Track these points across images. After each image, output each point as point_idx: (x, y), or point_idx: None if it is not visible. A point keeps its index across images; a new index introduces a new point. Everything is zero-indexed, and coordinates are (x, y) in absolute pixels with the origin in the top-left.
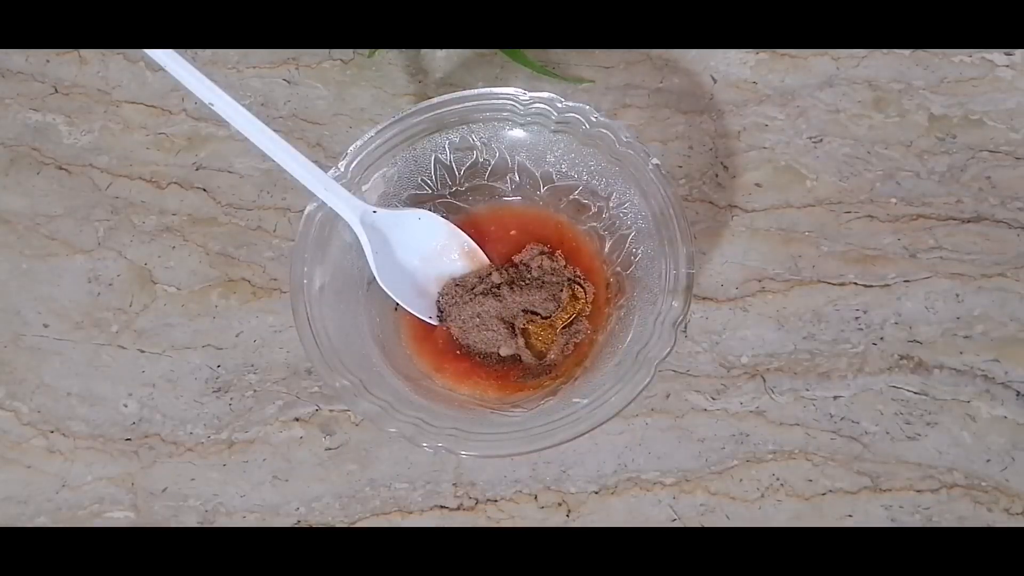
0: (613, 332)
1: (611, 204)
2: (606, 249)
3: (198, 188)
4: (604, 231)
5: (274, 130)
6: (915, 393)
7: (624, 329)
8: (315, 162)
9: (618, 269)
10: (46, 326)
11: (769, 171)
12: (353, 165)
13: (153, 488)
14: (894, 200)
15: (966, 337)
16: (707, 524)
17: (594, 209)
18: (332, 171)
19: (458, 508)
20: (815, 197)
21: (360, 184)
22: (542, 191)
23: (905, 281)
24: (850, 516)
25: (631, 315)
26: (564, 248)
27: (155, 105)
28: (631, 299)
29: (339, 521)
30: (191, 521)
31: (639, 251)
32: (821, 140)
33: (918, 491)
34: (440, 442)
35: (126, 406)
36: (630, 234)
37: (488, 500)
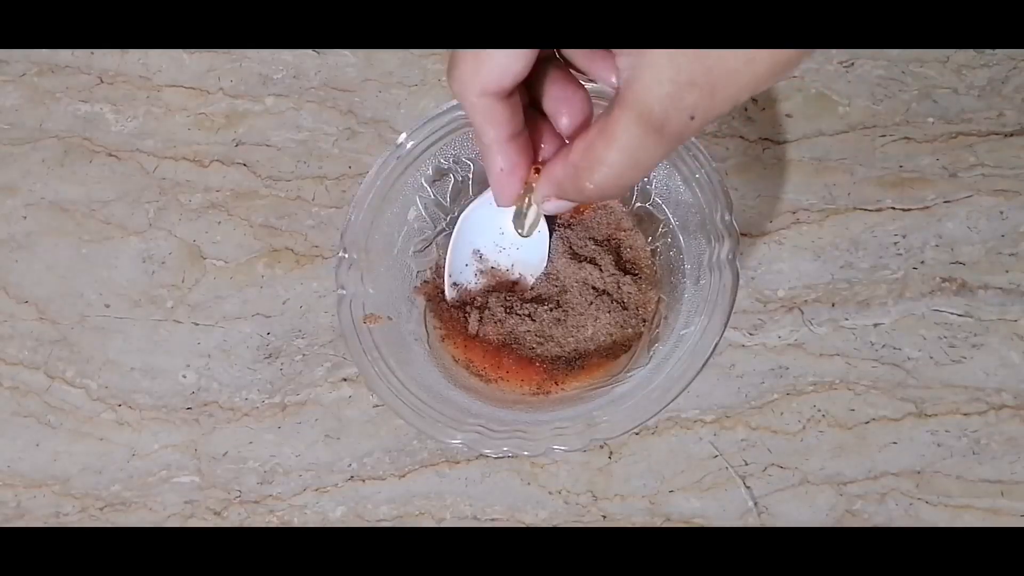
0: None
1: None
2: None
3: (239, 163)
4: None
5: (307, 101)
6: (959, 315)
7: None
8: (347, 129)
9: (656, 246)
10: (107, 306)
11: (799, 100)
12: (351, 242)
13: (215, 453)
14: (931, 119)
15: (1012, 255)
16: (748, 459)
17: None
18: (340, 254)
19: (501, 457)
20: (848, 123)
21: (371, 261)
22: None
23: (945, 202)
24: (895, 443)
25: (678, 292)
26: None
27: (194, 87)
28: (675, 276)
29: (389, 473)
30: (252, 482)
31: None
32: (852, 64)
33: (965, 414)
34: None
35: (185, 377)
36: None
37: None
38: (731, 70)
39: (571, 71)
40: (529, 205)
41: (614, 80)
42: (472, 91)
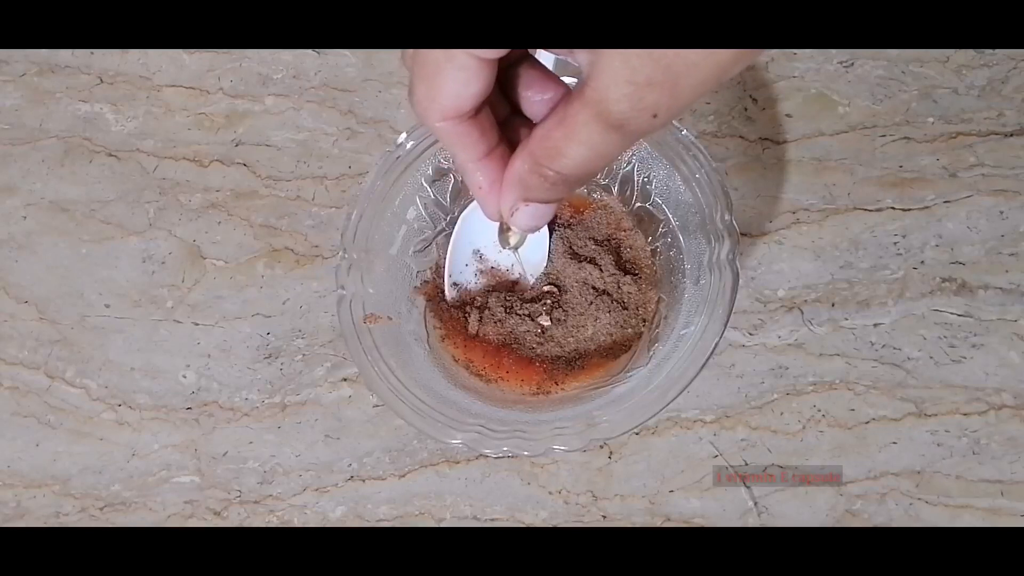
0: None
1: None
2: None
3: (239, 163)
4: (612, 184)
5: (307, 101)
6: (959, 315)
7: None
8: (347, 129)
9: (657, 246)
10: (107, 306)
11: (799, 100)
12: (351, 242)
13: (215, 453)
14: (931, 119)
15: (1012, 255)
16: (749, 459)
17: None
18: (340, 254)
19: (501, 457)
20: (848, 123)
21: (371, 261)
22: None
23: (945, 202)
24: (895, 443)
25: (677, 293)
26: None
27: (194, 87)
28: (675, 277)
29: (389, 473)
30: (252, 482)
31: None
32: (852, 64)
33: (965, 414)
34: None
35: (185, 377)
36: (650, 183)
37: None
38: (691, 64)
39: (548, 69)
40: None
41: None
42: (433, 117)
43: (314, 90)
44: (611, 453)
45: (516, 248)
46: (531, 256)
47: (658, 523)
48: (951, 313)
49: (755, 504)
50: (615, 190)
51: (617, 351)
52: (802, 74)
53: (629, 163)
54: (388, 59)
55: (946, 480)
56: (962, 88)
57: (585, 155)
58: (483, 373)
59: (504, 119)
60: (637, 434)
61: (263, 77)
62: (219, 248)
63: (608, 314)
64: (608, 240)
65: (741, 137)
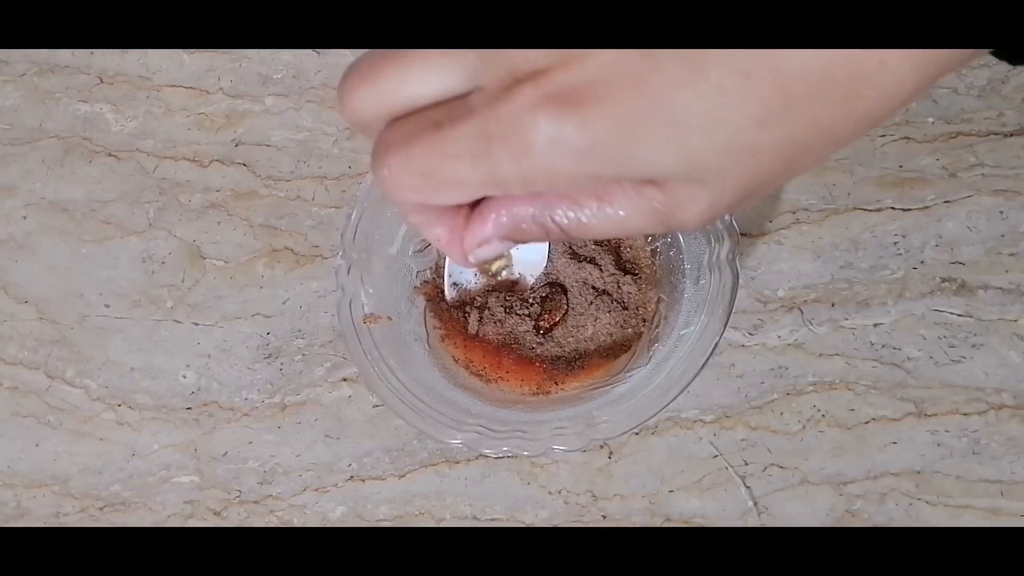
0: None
1: None
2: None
3: (239, 163)
4: None
5: (307, 101)
6: (959, 315)
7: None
8: (347, 129)
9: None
10: (107, 306)
11: None
12: (351, 242)
13: (215, 453)
14: (931, 119)
15: (1011, 255)
16: (748, 459)
17: None
18: (340, 254)
19: (501, 457)
20: None
21: (371, 261)
22: None
23: (945, 202)
24: (895, 443)
25: (678, 293)
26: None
27: (193, 87)
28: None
29: (389, 473)
30: (251, 482)
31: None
32: None
33: (965, 414)
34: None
35: (185, 377)
36: None
37: None
38: (765, 188)
39: None
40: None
41: None
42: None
43: (314, 90)
44: (611, 453)
45: (497, 275)
46: (531, 256)
47: (658, 523)
48: (951, 313)
49: (755, 504)
50: None
51: (617, 351)
52: None
53: None
54: None
55: (946, 480)
56: (962, 88)
57: (614, 231)
58: (483, 373)
59: None
60: (637, 434)
61: (263, 77)
62: (219, 248)
63: (608, 314)
64: (608, 240)
65: None
